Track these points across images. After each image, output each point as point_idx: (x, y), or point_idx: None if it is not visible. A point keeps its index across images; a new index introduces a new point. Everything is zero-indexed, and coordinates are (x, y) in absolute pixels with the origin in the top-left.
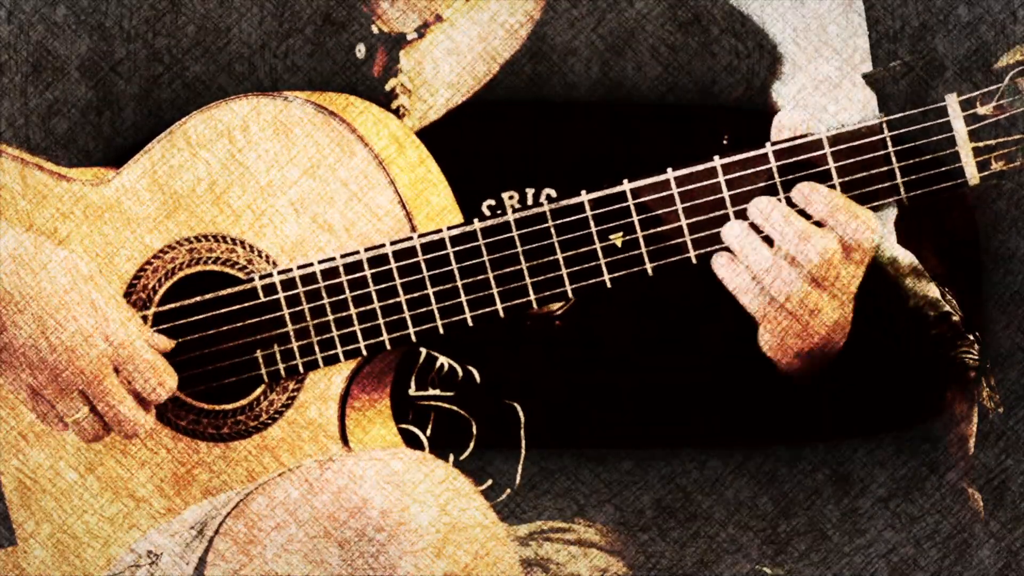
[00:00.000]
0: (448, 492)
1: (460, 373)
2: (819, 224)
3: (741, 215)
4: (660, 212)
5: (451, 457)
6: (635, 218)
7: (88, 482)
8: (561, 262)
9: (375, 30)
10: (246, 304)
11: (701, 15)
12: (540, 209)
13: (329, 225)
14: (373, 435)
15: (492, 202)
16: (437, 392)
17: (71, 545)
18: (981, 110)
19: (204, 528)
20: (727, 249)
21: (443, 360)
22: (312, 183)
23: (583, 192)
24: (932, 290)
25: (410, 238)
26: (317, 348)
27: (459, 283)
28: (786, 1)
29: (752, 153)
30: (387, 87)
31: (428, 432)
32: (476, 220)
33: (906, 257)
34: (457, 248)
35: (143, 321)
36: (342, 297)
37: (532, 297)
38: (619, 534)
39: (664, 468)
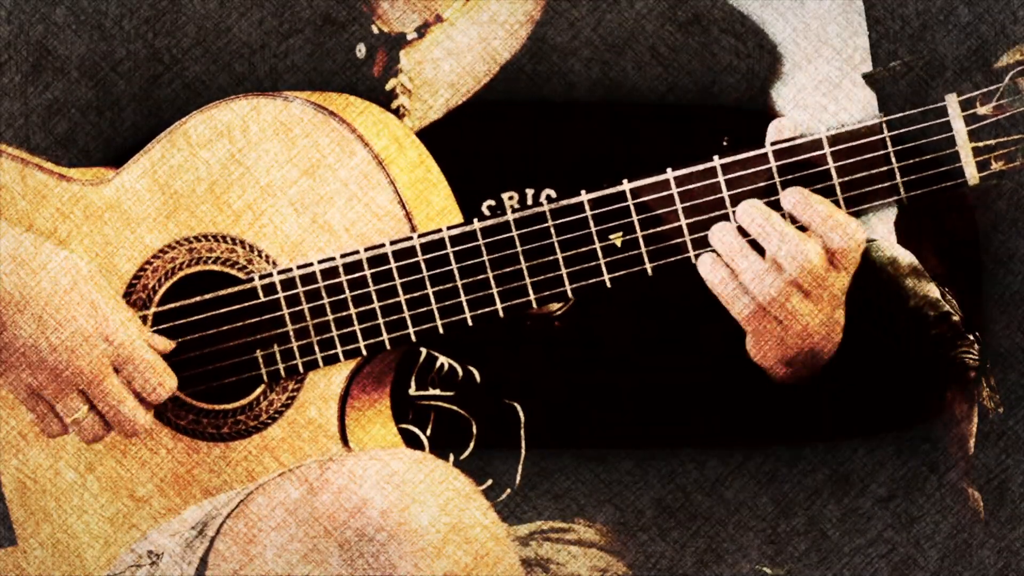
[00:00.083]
0: (448, 492)
1: (460, 373)
2: (805, 229)
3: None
4: (660, 212)
5: (451, 457)
6: (635, 218)
7: (88, 482)
8: (561, 262)
9: (375, 30)
10: (246, 304)
11: (701, 15)
12: (540, 209)
13: (329, 225)
14: (373, 435)
15: (492, 202)
16: (437, 392)
17: (71, 545)
18: (981, 110)
19: (205, 528)
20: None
21: (443, 360)
22: (312, 183)
23: (583, 192)
24: (932, 290)
25: (410, 238)
26: (317, 348)
27: (459, 283)
28: (786, 1)
29: (752, 153)
30: (387, 87)
31: (428, 432)
32: (476, 220)
33: (906, 257)
34: (457, 248)
35: (143, 321)
36: (342, 297)
37: (532, 297)
38: (619, 534)
39: (664, 468)
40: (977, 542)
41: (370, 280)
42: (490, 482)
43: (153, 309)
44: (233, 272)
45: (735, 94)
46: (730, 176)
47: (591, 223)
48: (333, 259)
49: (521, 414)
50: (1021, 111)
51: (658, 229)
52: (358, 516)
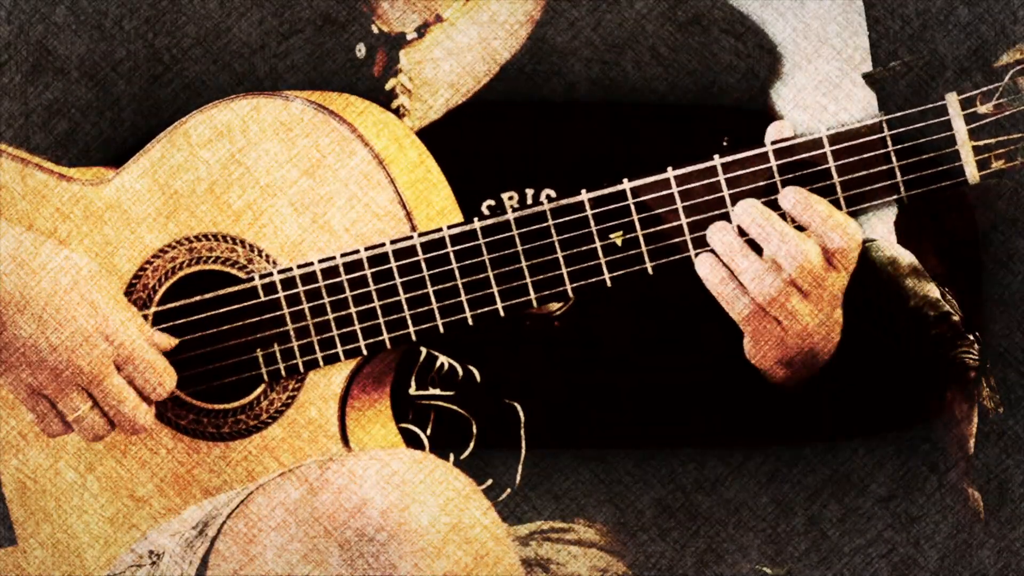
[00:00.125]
0: (448, 492)
1: (460, 372)
2: (803, 229)
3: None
4: (660, 211)
5: (451, 457)
6: (635, 217)
7: (88, 482)
8: (561, 261)
9: (375, 30)
10: (246, 303)
11: (701, 15)
12: (540, 208)
13: (329, 225)
14: (373, 435)
15: (492, 202)
16: (437, 392)
17: (71, 545)
18: (981, 109)
19: (205, 528)
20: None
21: (443, 359)
22: (312, 183)
23: (583, 191)
24: (932, 290)
25: (410, 237)
26: (317, 347)
27: (459, 282)
28: (786, 1)
29: (752, 152)
30: (387, 87)
31: (428, 432)
32: (476, 219)
33: (906, 257)
34: (457, 247)
35: (143, 320)
36: (342, 296)
37: (532, 296)
38: (619, 534)
39: (664, 468)
40: (977, 542)
41: (370, 279)
42: (490, 482)
43: (153, 309)
44: (233, 272)
45: (735, 94)
46: (730, 175)
47: (592, 222)
48: (333, 258)
49: (521, 414)
50: (1021, 110)
51: (658, 228)
52: (358, 516)
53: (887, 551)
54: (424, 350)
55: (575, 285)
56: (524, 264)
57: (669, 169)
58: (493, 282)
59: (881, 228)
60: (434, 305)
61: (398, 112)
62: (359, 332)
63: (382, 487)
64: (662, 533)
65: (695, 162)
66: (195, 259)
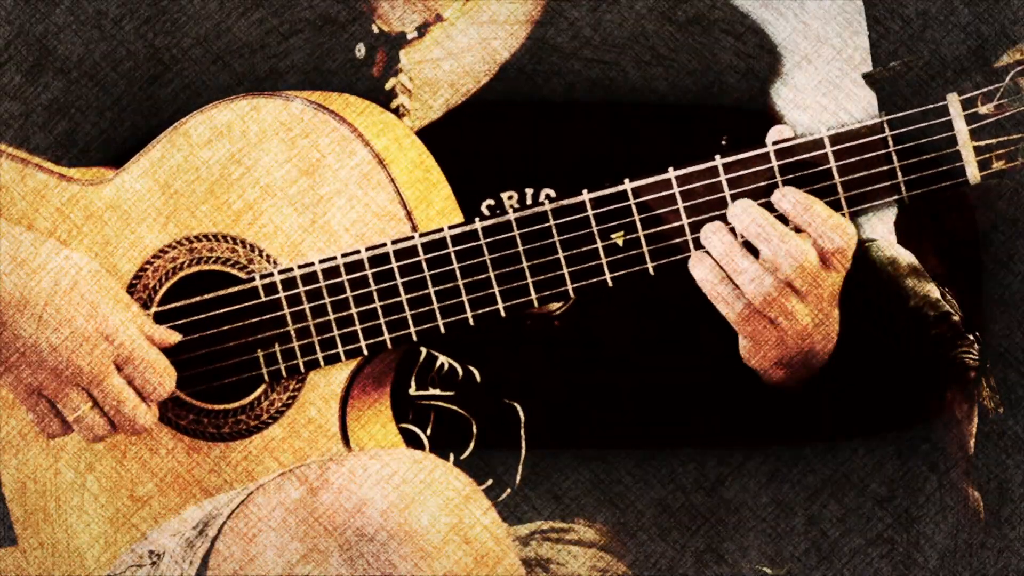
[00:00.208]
0: (448, 492)
1: (460, 373)
2: (798, 230)
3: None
4: (661, 211)
5: (451, 457)
6: (636, 217)
7: (88, 482)
8: (562, 261)
9: (375, 29)
10: (247, 303)
11: (701, 15)
12: (541, 208)
13: (329, 225)
14: (373, 435)
15: (491, 202)
16: (437, 392)
17: (71, 545)
18: (982, 109)
19: (206, 528)
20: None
21: (443, 360)
22: (312, 183)
23: (584, 191)
24: (932, 290)
25: (411, 237)
26: (318, 347)
27: (460, 282)
28: (786, 1)
29: (753, 152)
30: (387, 87)
31: (428, 432)
32: (477, 219)
33: (906, 257)
34: (458, 247)
35: (145, 317)
36: (343, 296)
37: (533, 296)
38: (619, 534)
39: (664, 468)
40: (977, 542)
41: (371, 280)
42: (490, 482)
43: (154, 309)
44: (234, 272)
45: (735, 94)
46: (731, 175)
47: (593, 222)
48: (334, 259)
49: (521, 414)
50: (1022, 110)
51: (659, 228)
52: (358, 516)
53: (887, 551)
54: (424, 350)
55: (576, 285)
56: (525, 264)
57: (670, 169)
58: (494, 282)
59: (881, 228)
60: (435, 305)
61: (398, 112)
62: (360, 332)
63: (382, 487)
64: (662, 533)
65: (696, 162)
66: (195, 259)
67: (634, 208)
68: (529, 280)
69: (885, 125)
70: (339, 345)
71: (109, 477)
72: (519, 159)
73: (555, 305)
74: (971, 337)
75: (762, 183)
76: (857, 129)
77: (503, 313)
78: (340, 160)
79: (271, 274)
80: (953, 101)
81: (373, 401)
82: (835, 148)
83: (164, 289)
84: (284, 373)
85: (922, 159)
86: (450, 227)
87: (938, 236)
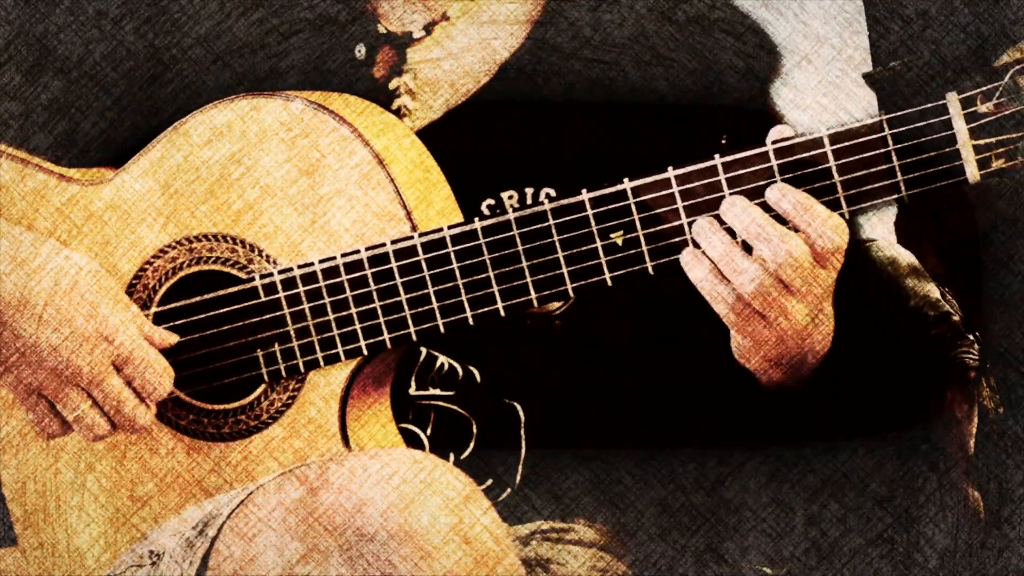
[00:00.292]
0: (448, 492)
1: (460, 372)
2: (794, 229)
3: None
4: (661, 211)
5: (451, 457)
6: (636, 216)
7: (88, 482)
8: (562, 261)
9: (382, 30)
10: (246, 303)
11: (701, 15)
12: (541, 208)
13: (329, 225)
14: (373, 435)
15: (491, 201)
16: (437, 392)
17: (71, 545)
18: (981, 108)
19: (205, 528)
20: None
21: (443, 359)
22: (312, 183)
23: (584, 191)
24: (932, 290)
25: (411, 237)
26: (318, 347)
27: (460, 282)
28: (786, 1)
29: (753, 152)
30: (391, 86)
31: (428, 432)
32: (477, 219)
33: (906, 257)
34: (458, 247)
35: (145, 318)
36: (343, 296)
37: (533, 296)
38: (619, 534)
39: (664, 468)
40: (977, 542)
41: (371, 279)
42: (490, 482)
43: (154, 309)
44: (233, 272)
45: (735, 94)
46: (730, 175)
47: (592, 222)
48: (334, 258)
49: (521, 414)
50: (1021, 109)
51: (659, 228)
52: (358, 516)
53: (887, 551)
54: (424, 350)
55: (575, 285)
56: (524, 264)
57: (670, 169)
58: (494, 282)
59: (881, 228)
60: (435, 305)
61: (399, 113)
62: (359, 332)
63: (382, 487)
64: (662, 533)
65: (695, 162)
66: (195, 259)
67: (633, 207)
68: (528, 280)
69: (884, 124)
70: (339, 345)
71: (109, 477)
72: (519, 159)
73: (555, 305)
74: (971, 337)
75: (761, 182)
76: (856, 128)
77: (503, 313)
78: (340, 160)
79: (271, 274)
80: (952, 100)
81: (373, 401)
82: (834, 147)
83: (164, 289)
84: (284, 373)
85: (921, 158)
86: (449, 227)
87: (938, 236)
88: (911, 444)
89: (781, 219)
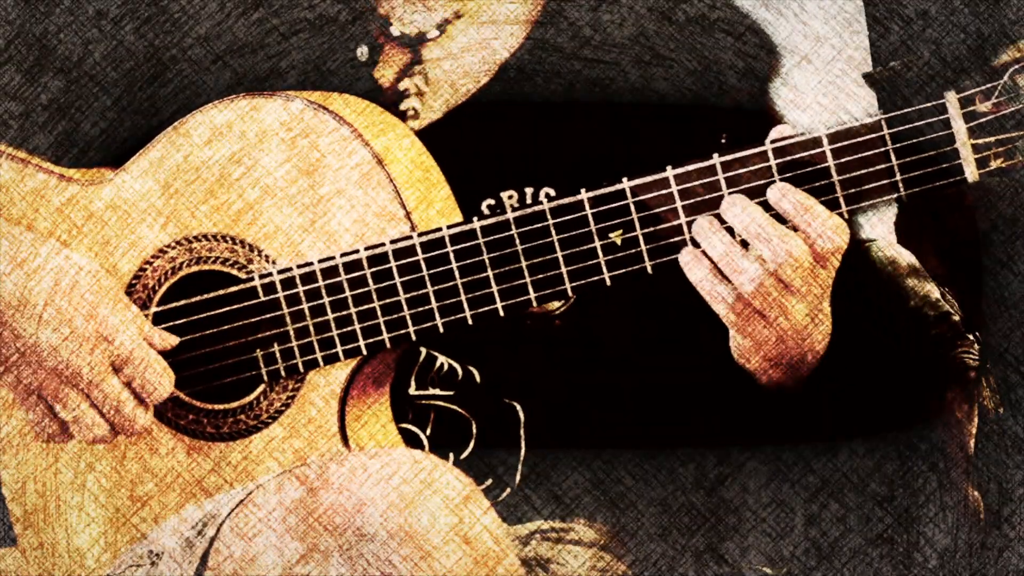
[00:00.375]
0: (449, 492)
1: (460, 372)
2: (794, 229)
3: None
4: (659, 210)
5: (451, 456)
6: (634, 216)
7: (88, 482)
8: (561, 260)
9: (396, 31)
10: (246, 303)
11: (701, 15)
12: (540, 207)
13: (329, 225)
14: (373, 434)
15: (491, 201)
16: (437, 391)
17: (71, 545)
18: (980, 108)
19: (205, 528)
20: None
21: (443, 359)
22: (312, 183)
23: (583, 190)
24: (932, 290)
25: (410, 237)
26: (317, 347)
27: (459, 282)
28: (786, 1)
29: (751, 151)
30: (401, 87)
31: (428, 431)
32: (476, 219)
33: (906, 257)
34: (457, 247)
35: (144, 319)
36: (342, 296)
37: (532, 295)
38: (619, 534)
39: (664, 468)
40: (977, 542)
41: (370, 279)
42: (490, 481)
43: (153, 309)
44: (233, 272)
45: (735, 94)
46: (729, 174)
47: (591, 221)
48: (333, 258)
49: (521, 413)
50: (1020, 108)
51: (658, 227)
52: (358, 516)
53: (887, 551)
54: (424, 350)
55: (574, 284)
56: (524, 263)
57: (668, 168)
58: (493, 282)
59: (881, 228)
60: (433, 305)
61: (406, 115)
62: (359, 332)
63: (382, 487)
64: (662, 533)
65: (694, 161)
66: (195, 259)
67: (632, 207)
68: (527, 279)
69: (883, 124)
70: (338, 345)
71: (109, 477)
72: (519, 159)
73: (555, 304)
74: (971, 337)
75: (760, 182)
76: (855, 128)
77: (501, 312)
78: (340, 160)
79: (270, 274)
80: (951, 99)
81: (373, 401)
82: (833, 147)
83: (164, 289)
84: (283, 373)
85: (920, 158)
86: (448, 226)
87: (938, 236)
88: (911, 444)
89: (781, 219)
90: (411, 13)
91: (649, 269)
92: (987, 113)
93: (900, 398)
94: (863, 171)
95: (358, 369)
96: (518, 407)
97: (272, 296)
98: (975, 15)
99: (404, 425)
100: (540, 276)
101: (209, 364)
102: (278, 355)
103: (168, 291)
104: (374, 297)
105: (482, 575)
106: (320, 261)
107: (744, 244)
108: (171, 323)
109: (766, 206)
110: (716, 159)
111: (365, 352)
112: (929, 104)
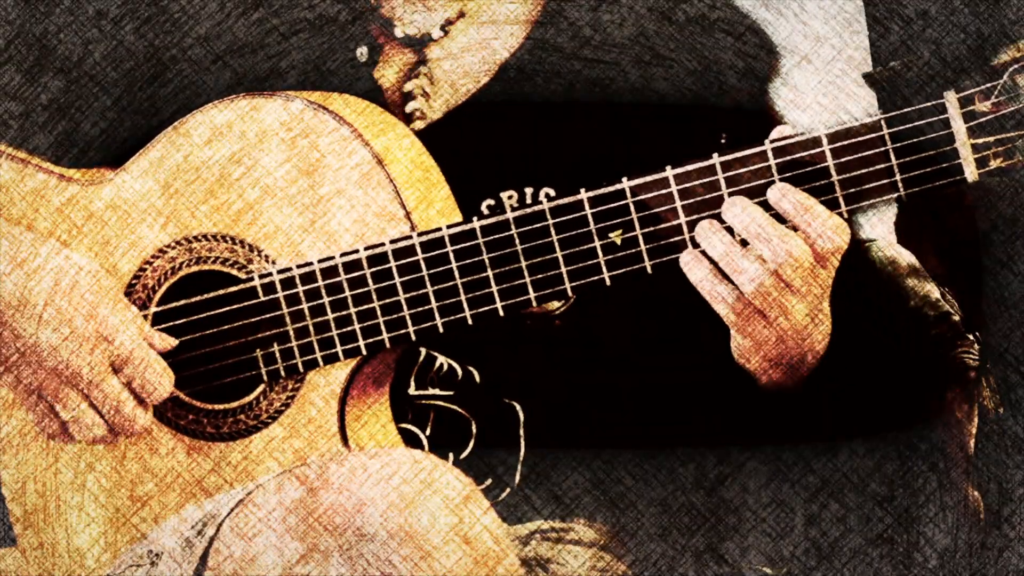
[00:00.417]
0: (449, 492)
1: (459, 372)
2: (794, 229)
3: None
4: (659, 210)
5: (451, 456)
6: (634, 216)
7: (88, 482)
8: (560, 260)
9: (399, 33)
10: (245, 303)
11: (701, 15)
12: (539, 207)
13: (328, 225)
14: (373, 434)
15: (491, 201)
16: (436, 391)
17: (71, 545)
18: (980, 107)
19: (205, 528)
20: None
21: (442, 359)
22: (312, 183)
23: (582, 190)
24: (932, 290)
25: (409, 237)
26: (316, 347)
27: (459, 282)
28: (786, 1)
29: (751, 151)
30: (406, 88)
31: (428, 431)
32: (475, 218)
33: (906, 257)
34: (456, 247)
35: (143, 321)
36: (342, 296)
37: (532, 295)
38: (619, 534)
39: (664, 468)
40: (977, 542)
41: (370, 279)
42: (490, 481)
43: (153, 309)
44: (233, 272)
45: (735, 94)
46: (729, 174)
47: (591, 221)
48: (333, 258)
49: (520, 413)
50: (1020, 108)
51: (657, 227)
52: (358, 516)
53: (887, 551)
54: (423, 350)
55: (574, 284)
56: (523, 263)
57: (668, 168)
58: (492, 281)
59: (881, 228)
60: (433, 305)
61: (412, 117)
62: (358, 332)
63: (382, 487)
64: (662, 533)
65: (694, 161)
66: (195, 259)
67: (632, 207)
68: (527, 279)
69: (883, 123)
70: (338, 345)
71: (109, 477)
72: (519, 159)
73: (555, 304)
74: (971, 337)
75: (760, 181)
76: (855, 127)
77: (501, 312)
78: (340, 160)
79: (270, 274)
80: (951, 99)
81: (372, 401)
82: (832, 146)
83: (163, 289)
84: (283, 373)
85: (920, 157)
86: (448, 226)
87: (938, 236)
88: (911, 444)
89: (781, 219)
90: (412, 14)
91: (649, 269)
92: (987, 113)
93: (900, 398)
94: (863, 171)
95: (358, 369)
96: (518, 407)
97: (272, 296)
98: (975, 15)
99: (404, 425)
100: (540, 276)
101: (209, 364)
102: (278, 355)
103: (168, 291)
104: (374, 297)
105: (482, 575)
106: (320, 261)
107: (744, 244)
108: (171, 323)
109: (766, 206)
110: (716, 159)
111: (365, 352)
112: (929, 104)
